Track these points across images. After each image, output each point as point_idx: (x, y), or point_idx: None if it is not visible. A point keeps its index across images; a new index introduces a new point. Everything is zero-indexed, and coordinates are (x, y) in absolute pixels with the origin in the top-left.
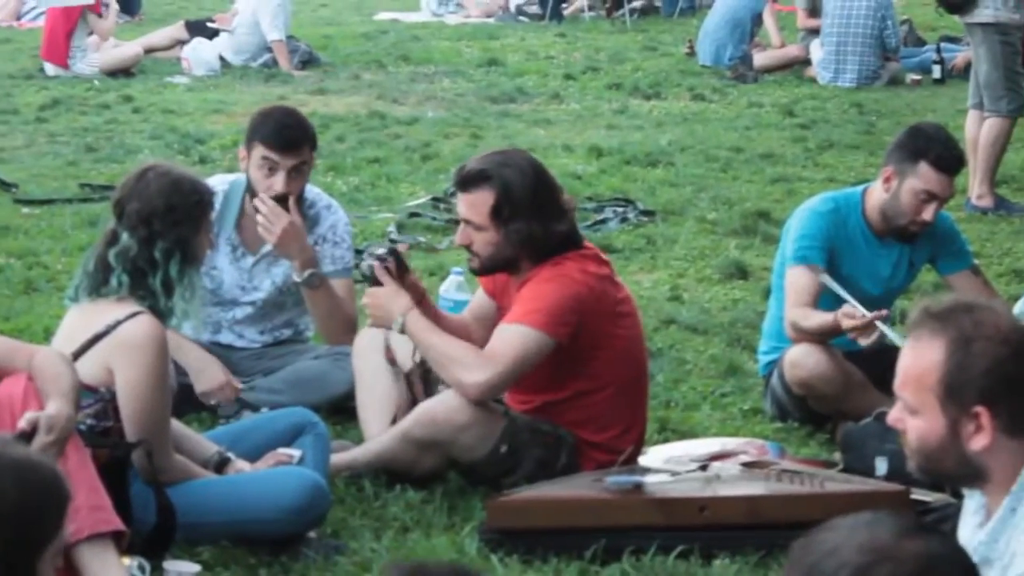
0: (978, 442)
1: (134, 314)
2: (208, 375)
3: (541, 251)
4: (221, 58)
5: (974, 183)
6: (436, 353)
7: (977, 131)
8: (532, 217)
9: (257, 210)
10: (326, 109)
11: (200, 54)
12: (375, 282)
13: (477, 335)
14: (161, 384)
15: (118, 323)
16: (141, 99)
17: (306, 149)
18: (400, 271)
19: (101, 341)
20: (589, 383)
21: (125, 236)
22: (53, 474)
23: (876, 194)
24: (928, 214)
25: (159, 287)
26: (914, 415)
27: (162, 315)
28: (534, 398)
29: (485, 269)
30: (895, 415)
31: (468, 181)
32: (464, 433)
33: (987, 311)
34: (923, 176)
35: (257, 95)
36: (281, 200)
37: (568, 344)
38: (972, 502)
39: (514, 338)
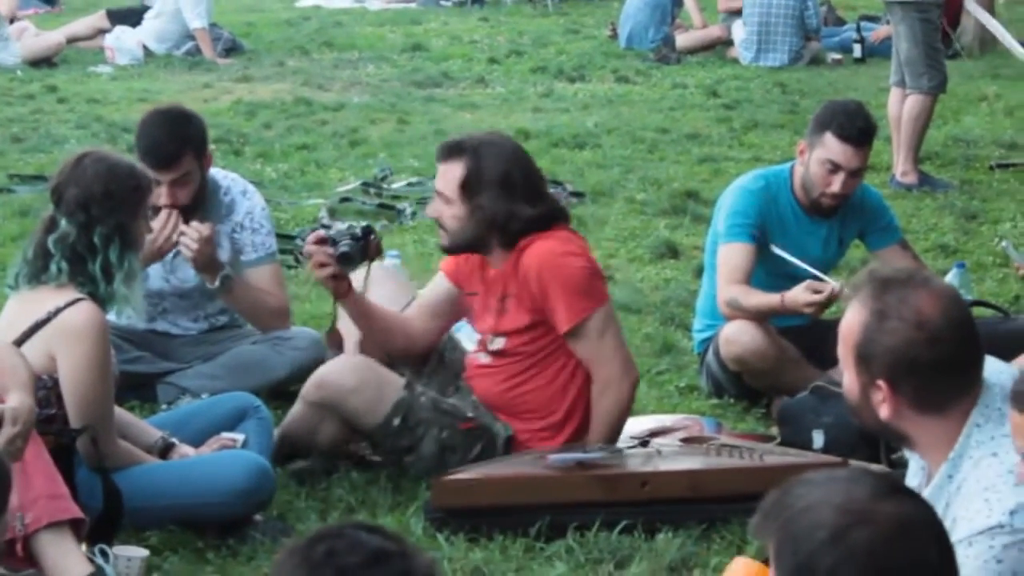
0: (884, 411)
1: (74, 301)
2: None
3: (509, 233)
4: (144, 47)
5: (898, 160)
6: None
7: (899, 108)
8: (500, 196)
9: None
10: (252, 96)
11: (123, 43)
12: (346, 260)
13: (420, 325)
14: (103, 370)
15: (59, 310)
16: (66, 89)
17: (185, 159)
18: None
19: (42, 328)
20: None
21: (64, 222)
22: None
23: (797, 169)
24: (836, 185)
25: (99, 272)
26: (844, 368)
27: (102, 301)
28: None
29: (454, 246)
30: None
31: (445, 152)
32: (352, 396)
33: (921, 291)
34: (827, 146)
35: (182, 83)
36: (174, 209)
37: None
38: (914, 463)
39: (603, 323)
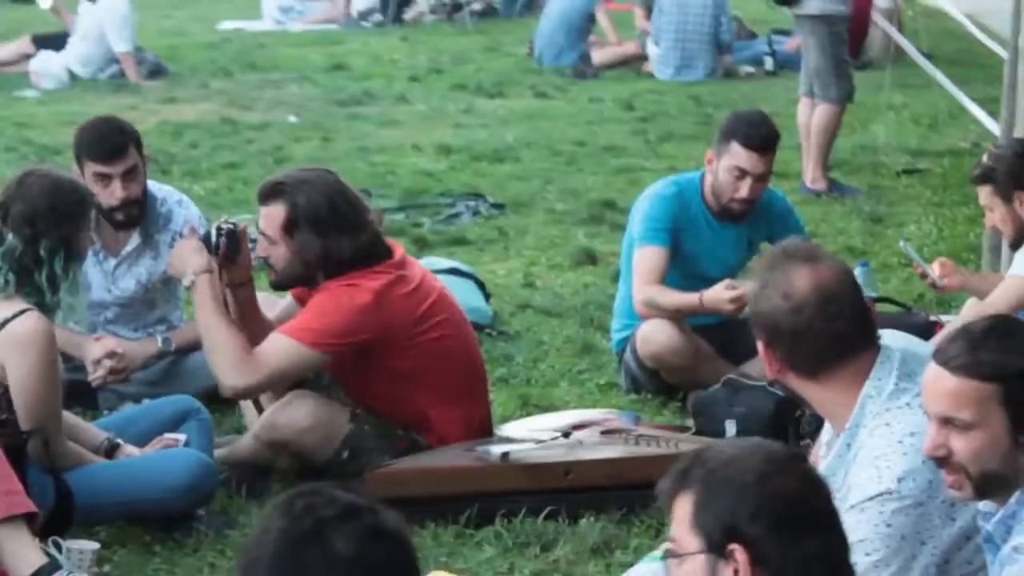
0: (770, 372)
1: (22, 311)
2: (89, 347)
3: (333, 267)
4: (69, 71)
5: (808, 167)
6: (210, 333)
7: (809, 117)
8: (324, 234)
9: None
10: (178, 117)
11: (48, 67)
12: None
13: None
14: (52, 376)
15: (6, 321)
16: None
17: (131, 151)
18: (229, 251)
19: None
20: (410, 387)
21: (11, 237)
22: None
23: (707, 177)
24: (744, 190)
25: (45, 283)
26: None
27: (49, 310)
28: (374, 403)
29: (281, 284)
30: None
31: (265, 194)
32: (306, 436)
33: (801, 266)
34: (733, 154)
35: (108, 106)
36: (127, 205)
37: (356, 355)
38: (825, 434)
39: (281, 350)
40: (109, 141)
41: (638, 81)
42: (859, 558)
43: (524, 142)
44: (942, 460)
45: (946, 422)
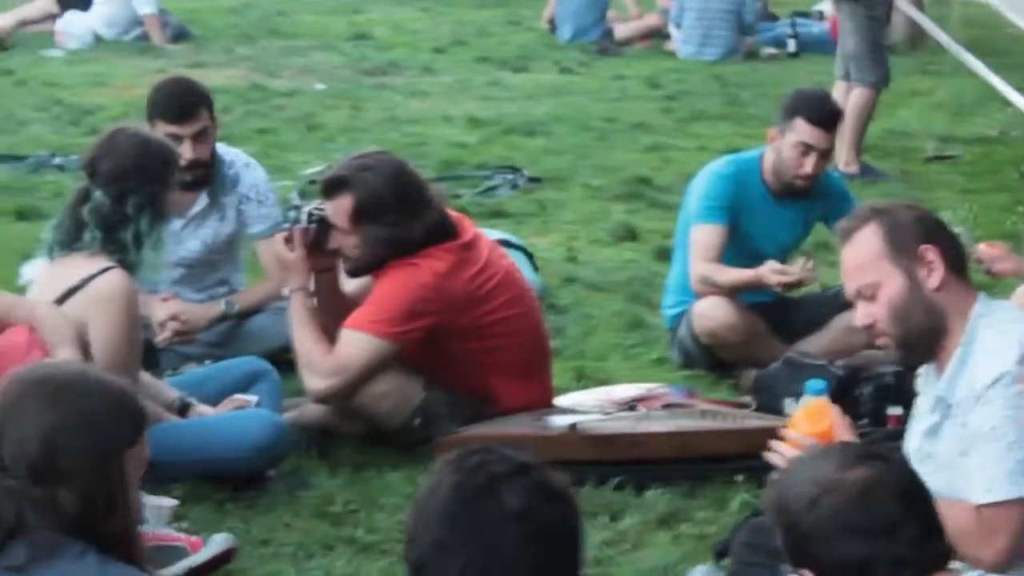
0: (935, 278)
1: (105, 269)
2: (155, 307)
3: (404, 250)
4: (93, 32)
5: (841, 151)
6: (297, 345)
7: (844, 101)
8: (394, 219)
9: None
10: (206, 81)
11: (73, 28)
12: (290, 237)
13: None
14: (134, 334)
15: (91, 277)
16: (22, 72)
17: (203, 113)
18: (319, 241)
19: (75, 295)
20: (477, 366)
21: (98, 194)
22: (127, 388)
23: (768, 155)
24: (809, 166)
25: (130, 240)
26: (875, 299)
27: (132, 268)
28: (440, 378)
29: (356, 272)
30: (862, 317)
31: (329, 187)
32: (381, 402)
33: (887, 201)
34: (799, 130)
35: (135, 68)
36: (196, 166)
37: (424, 339)
38: (924, 402)
39: (355, 348)
40: (180, 102)
41: (661, 59)
42: (992, 445)
43: (553, 117)
44: None
45: None
